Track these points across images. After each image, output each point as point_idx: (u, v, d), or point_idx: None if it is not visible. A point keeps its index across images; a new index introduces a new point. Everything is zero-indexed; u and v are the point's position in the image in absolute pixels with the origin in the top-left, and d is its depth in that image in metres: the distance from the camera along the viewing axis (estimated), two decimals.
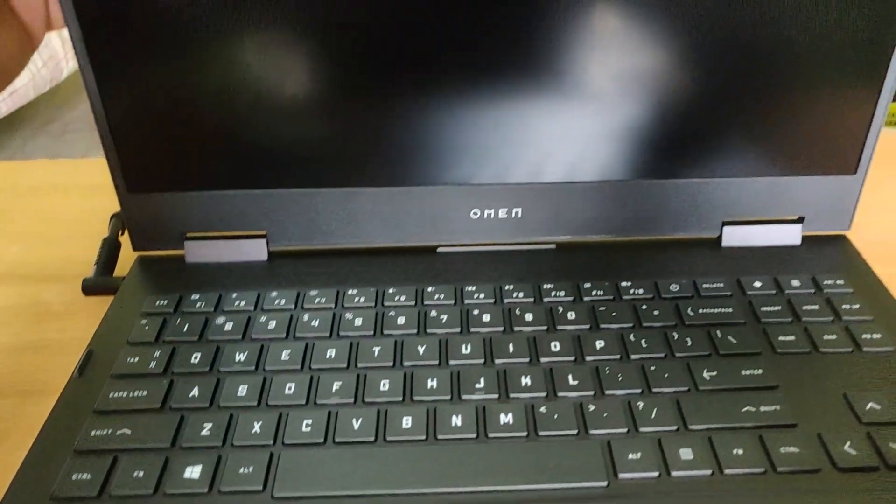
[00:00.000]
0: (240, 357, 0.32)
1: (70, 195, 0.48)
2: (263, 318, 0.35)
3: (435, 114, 0.36)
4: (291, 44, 0.34)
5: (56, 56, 1.77)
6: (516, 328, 0.34)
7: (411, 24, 0.33)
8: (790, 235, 0.39)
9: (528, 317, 0.35)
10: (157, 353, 0.33)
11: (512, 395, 0.30)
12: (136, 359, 0.32)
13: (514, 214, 0.38)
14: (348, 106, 0.35)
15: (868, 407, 0.30)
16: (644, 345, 0.33)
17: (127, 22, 0.33)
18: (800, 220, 0.39)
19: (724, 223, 0.39)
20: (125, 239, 0.39)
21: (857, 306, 0.35)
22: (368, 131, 0.36)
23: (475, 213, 0.38)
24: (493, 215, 0.38)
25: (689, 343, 0.33)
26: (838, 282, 0.37)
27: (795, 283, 0.37)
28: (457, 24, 0.33)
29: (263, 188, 0.37)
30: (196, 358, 0.32)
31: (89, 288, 0.37)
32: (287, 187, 0.37)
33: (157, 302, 0.36)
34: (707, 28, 0.34)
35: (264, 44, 0.34)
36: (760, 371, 0.32)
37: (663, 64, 0.35)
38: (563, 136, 0.37)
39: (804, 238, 0.40)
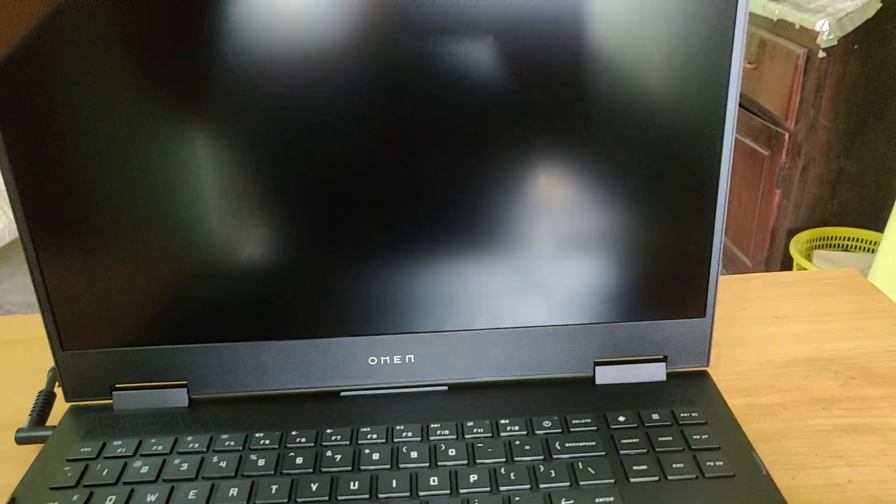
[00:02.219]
0: (150, 498, 0.36)
1: (12, 348, 0.52)
2: (177, 461, 0.39)
3: (335, 275, 0.41)
4: (210, 214, 0.40)
5: None
6: (402, 465, 0.38)
7: (318, 196, 0.40)
8: (656, 372, 0.44)
9: (413, 454, 0.39)
10: (75, 497, 0.36)
11: None
12: (56, 503, 0.36)
13: (407, 360, 0.43)
14: (258, 271, 0.41)
15: None
16: (513, 477, 0.37)
17: (66, 199, 0.39)
18: (664, 359, 0.45)
19: (596, 363, 0.44)
20: (60, 389, 0.43)
21: (706, 436, 0.40)
22: (277, 292, 0.42)
23: (373, 360, 0.43)
24: (388, 361, 0.43)
25: (553, 475, 0.37)
26: (693, 414, 0.41)
27: (655, 416, 0.41)
28: (357, 196, 0.40)
29: (184, 343, 0.42)
30: (111, 500, 0.36)
31: (22, 438, 0.41)
32: (205, 342, 0.42)
33: (82, 448, 0.40)
34: (579, 199, 0.40)
35: (186, 215, 0.40)
36: (612, 499, 0.36)
37: (543, 227, 0.41)
38: (448, 290, 0.42)
39: (669, 374, 0.45)
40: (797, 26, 1.59)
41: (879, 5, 1.47)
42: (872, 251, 1.63)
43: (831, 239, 1.68)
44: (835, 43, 1.52)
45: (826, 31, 1.51)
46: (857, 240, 1.67)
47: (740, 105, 1.97)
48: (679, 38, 0.38)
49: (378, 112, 0.38)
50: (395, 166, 0.39)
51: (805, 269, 1.54)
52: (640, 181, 0.40)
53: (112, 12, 0.35)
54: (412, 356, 0.43)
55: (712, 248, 0.42)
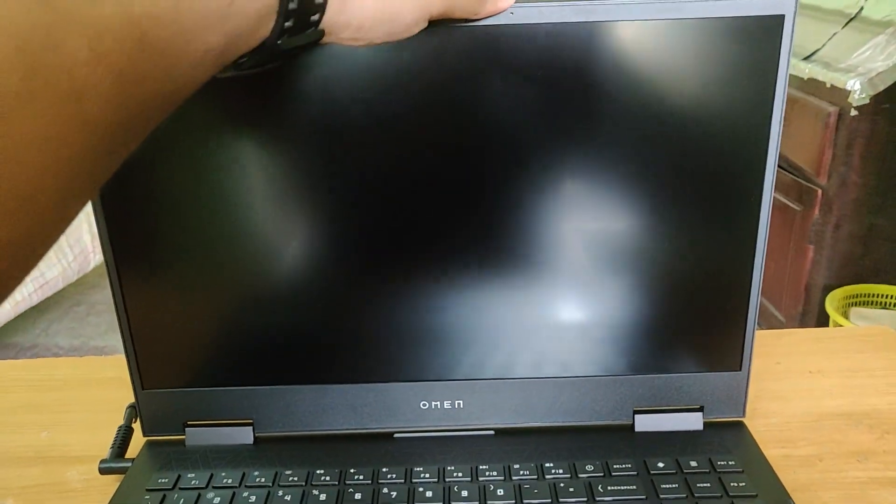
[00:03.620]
0: None
1: (91, 387, 0.56)
2: (245, 493, 0.42)
3: (390, 323, 0.45)
4: (275, 264, 0.44)
5: (85, 250, 1.93)
6: (453, 503, 0.41)
7: (375, 249, 0.43)
8: (693, 422, 0.47)
9: (464, 493, 0.41)
10: None
11: None
12: None
13: (456, 405, 0.46)
14: (319, 318, 0.45)
15: None
16: None
17: (151, 250, 0.43)
18: (700, 409, 0.47)
19: (636, 411, 0.47)
20: (137, 425, 0.47)
21: (743, 483, 0.42)
22: (336, 338, 0.45)
23: (424, 405, 0.46)
24: (439, 406, 0.46)
25: None
26: (730, 462, 0.43)
27: (693, 463, 0.43)
28: (412, 249, 0.43)
29: (250, 385, 0.46)
30: None
31: (105, 469, 0.45)
32: (270, 384, 0.46)
33: (160, 480, 0.43)
34: (621, 256, 0.44)
35: (255, 265, 0.44)
36: None
37: (587, 283, 0.44)
38: (496, 339, 0.45)
39: (706, 424, 0.47)
40: (828, 85, 1.62)
41: None
42: None
43: (867, 296, 1.68)
44: (866, 101, 1.55)
45: (858, 90, 1.54)
46: (893, 297, 1.66)
47: None
48: (721, 94, 0.41)
49: (433, 163, 0.42)
50: (447, 218, 0.43)
51: (841, 325, 1.54)
52: (681, 237, 0.43)
53: None
54: (461, 402, 0.46)
55: (749, 304, 0.45)
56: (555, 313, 0.45)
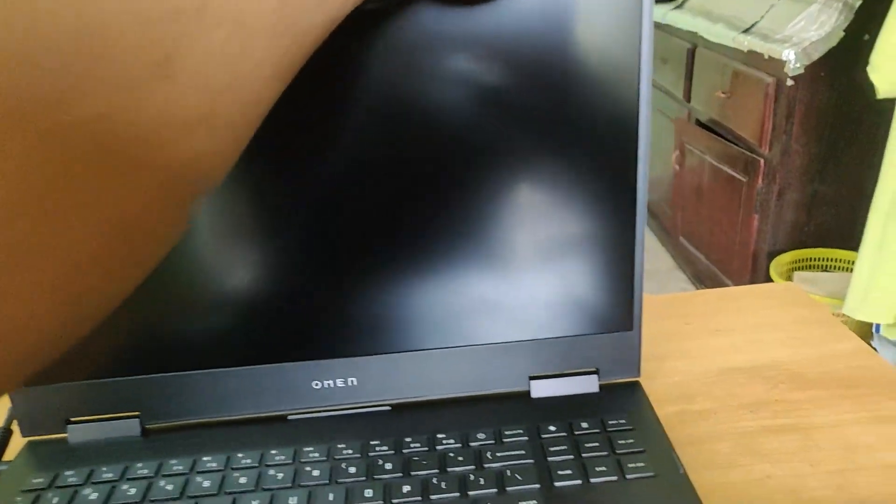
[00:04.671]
0: None
1: None
2: (125, 486, 0.41)
3: (278, 302, 0.44)
4: (162, 264, 0.42)
5: None
6: (339, 480, 0.40)
7: (262, 228, 0.42)
8: (588, 385, 0.46)
9: (352, 469, 0.41)
10: None
11: None
12: None
13: (350, 383, 0.45)
14: (202, 302, 0.44)
15: None
16: (443, 486, 0.39)
17: None
18: (596, 372, 0.47)
19: (531, 378, 0.46)
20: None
21: (631, 441, 0.41)
22: (221, 321, 0.44)
23: (316, 384, 0.45)
24: (332, 385, 0.45)
25: (482, 482, 0.39)
26: (621, 421, 0.43)
27: (585, 424, 0.43)
28: (298, 227, 0.42)
29: (134, 375, 0.44)
30: None
31: None
32: (155, 373, 0.44)
33: (34, 480, 0.41)
34: (509, 221, 0.43)
35: None
36: (534, 502, 0.37)
37: (476, 251, 0.44)
38: (388, 314, 0.45)
39: (602, 386, 0.47)
40: (766, 56, 1.64)
41: (843, 35, 1.52)
42: (850, 270, 1.65)
43: (811, 260, 1.70)
44: (802, 71, 1.56)
45: (792, 59, 1.56)
46: (836, 260, 1.69)
47: (717, 133, 2.01)
48: (589, 46, 0.40)
49: (335, 147, 0.41)
50: (331, 194, 0.42)
51: None
52: (564, 199, 0.43)
53: None
54: (354, 379, 0.45)
55: (634, 263, 0.44)
56: (446, 283, 0.44)
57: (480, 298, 0.45)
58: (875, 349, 1.48)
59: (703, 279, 2.11)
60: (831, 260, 1.70)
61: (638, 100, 0.40)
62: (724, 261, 1.94)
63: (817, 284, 1.61)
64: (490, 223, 0.43)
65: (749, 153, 1.75)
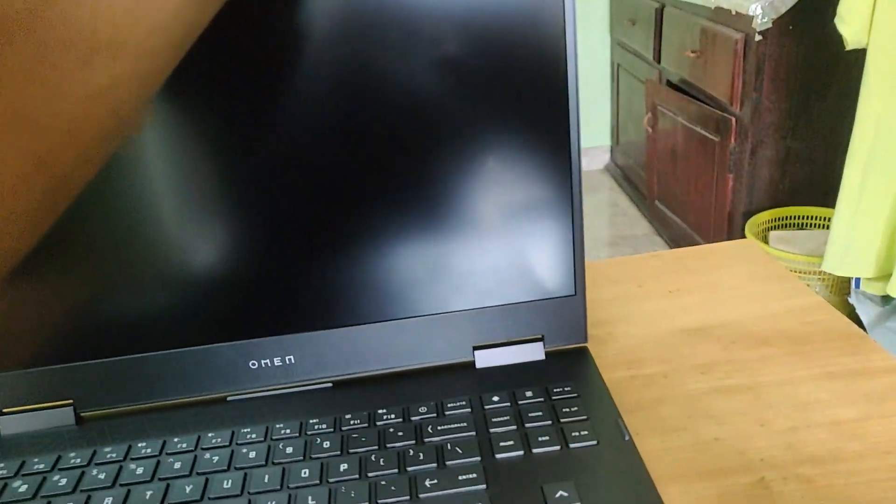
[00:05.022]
0: None
1: None
2: (57, 477, 0.39)
3: (210, 281, 0.42)
4: (86, 233, 0.41)
5: None
6: (276, 461, 0.39)
7: (186, 200, 0.41)
8: (534, 352, 0.45)
9: (289, 449, 0.40)
10: None
11: None
12: None
13: (287, 361, 0.44)
14: (132, 284, 0.42)
15: (557, 495, 0.35)
16: (381, 463, 0.38)
17: None
18: (541, 339, 0.46)
19: (475, 347, 0.45)
20: None
21: (575, 408, 0.41)
22: (152, 303, 0.42)
23: (253, 364, 0.44)
24: (269, 364, 0.44)
25: (421, 457, 0.38)
26: (566, 388, 0.42)
27: (529, 393, 0.42)
28: (224, 199, 0.41)
29: (67, 363, 0.43)
30: None
31: None
32: (88, 359, 0.43)
33: None
34: (443, 188, 0.42)
35: (59, 234, 0.41)
36: (475, 475, 0.37)
37: (412, 219, 0.42)
38: (323, 288, 0.43)
39: (549, 353, 0.46)
40: (733, 12, 1.62)
41: None
42: (827, 227, 1.65)
43: (787, 219, 1.70)
44: (769, 26, 1.55)
45: (760, 14, 1.54)
46: (812, 217, 1.69)
47: (689, 94, 1.99)
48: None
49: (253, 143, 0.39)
50: (264, 166, 0.40)
51: None
52: (499, 162, 0.41)
53: None
54: (292, 357, 0.44)
55: (574, 229, 0.43)
56: (385, 254, 0.43)
57: (421, 269, 0.44)
58: (853, 306, 1.48)
59: (679, 243, 2.10)
60: (808, 217, 1.70)
61: (565, 54, 0.39)
62: (701, 223, 1.94)
63: (794, 243, 1.61)
64: (429, 192, 0.42)
65: (721, 112, 1.74)
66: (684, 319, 0.52)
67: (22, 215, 0.29)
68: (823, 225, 1.67)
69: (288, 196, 0.41)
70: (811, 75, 1.61)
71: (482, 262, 0.44)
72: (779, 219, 1.70)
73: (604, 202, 2.60)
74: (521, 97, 0.40)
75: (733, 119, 1.69)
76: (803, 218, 1.70)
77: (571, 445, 0.38)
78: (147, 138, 0.38)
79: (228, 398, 0.45)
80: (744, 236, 1.71)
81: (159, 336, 0.43)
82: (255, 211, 0.41)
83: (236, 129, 0.39)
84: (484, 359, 0.45)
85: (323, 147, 0.40)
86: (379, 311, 0.44)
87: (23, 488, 0.39)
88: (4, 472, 0.40)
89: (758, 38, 1.56)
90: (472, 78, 0.39)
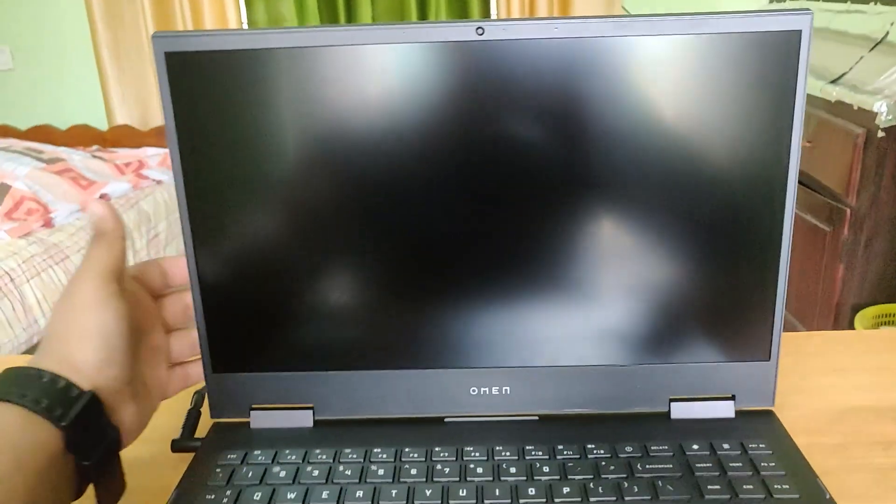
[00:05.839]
0: (290, 496, 0.43)
1: None
2: (309, 468, 0.45)
3: (443, 315, 0.48)
4: (342, 266, 0.48)
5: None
6: (502, 478, 0.44)
7: (429, 254, 0.47)
8: (725, 410, 0.49)
9: (512, 469, 0.45)
10: (228, 492, 0.43)
11: None
12: (213, 496, 0.43)
13: (504, 391, 0.50)
14: (377, 312, 0.49)
15: None
16: (601, 490, 0.43)
17: (229, 251, 0.47)
18: (732, 398, 0.50)
19: (671, 399, 0.50)
20: (204, 409, 0.51)
21: (773, 464, 0.44)
22: (394, 330, 0.49)
23: (474, 391, 0.50)
24: (487, 392, 0.50)
25: (636, 489, 0.43)
26: (760, 445, 0.46)
27: (726, 446, 0.46)
28: (461, 253, 0.47)
29: (312, 371, 0.50)
30: (258, 496, 0.43)
31: (177, 447, 0.49)
32: (330, 370, 0.50)
33: (229, 455, 0.47)
34: (656, 262, 0.47)
35: (318, 266, 0.48)
36: None
37: (621, 281, 0.48)
38: (541, 331, 0.49)
39: (738, 412, 0.50)
40: (855, 107, 1.65)
41: None
42: None
43: None
44: (893, 123, 1.56)
45: (884, 111, 1.56)
46: None
47: (801, 182, 2.00)
48: (740, 112, 0.44)
49: (471, 182, 0.46)
50: (495, 229, 0.47)
51: None
52: (710, 241, 0.47)
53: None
54: (508, 388, 0.50)
55: (776, 297, 0.48)
56: (595, 307, 0.48)
57: (627, 322, 0.49)
58: None
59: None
60: None
61: (790, 144, 0.44)
62: (807, 313, 1.92)
63: None
64: (636, 257, 0.47)
65: (835, 203, 1.74)
66: (856, 397, 0.55)
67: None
68: None
69: (519, 247, 0.47)
70: None
71: (689, 322, 0.48)
72: (887, 314, 1.68)
73: None
74: (740, 178, 0.45)
75: (848, 210, 1.69)
76: None
77: (775, 496, 0.42)
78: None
79: (446, 419, 0.50)
80: (850, 328, 1.69)
81: (394, 357, 0.49)
82: (491, 260, 0.47)
83: (473, 190, 0.46)
84: (679, 410, 0.49)
85: (545, 210, 0.46)
86: (587, 356, 0.49)
87: (282, 474, 0.45)
88: (262, 458, 0.46)
89: (881, 134, 1.58)
90: (690, 166, 0.45)
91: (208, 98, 0.45)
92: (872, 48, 1.76)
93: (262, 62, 0.44)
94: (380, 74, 0.44)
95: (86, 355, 0.40)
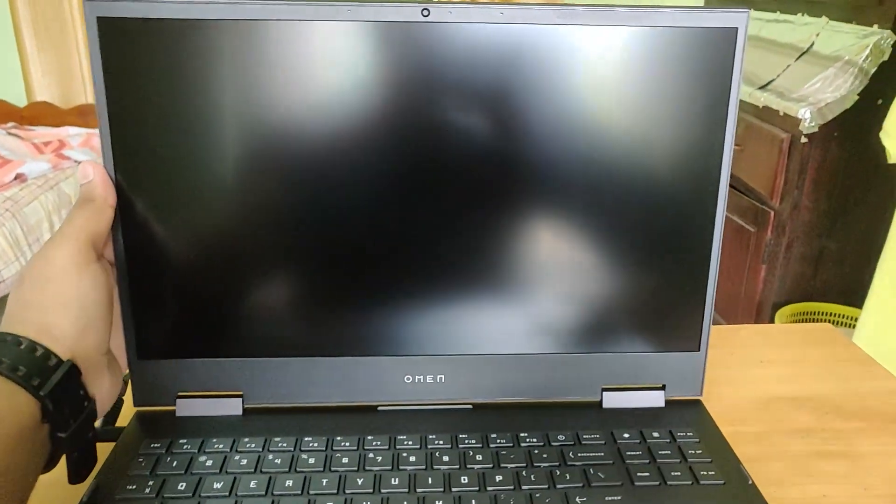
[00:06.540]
0: (217, 485, 0.41)
1: None
2: (237, 457, 0.44)
3: (377, 303, 0.48)
4: (273, 250, 0.47)
5: None
6: (435, 466, 0.44)
7: (366, 242, 0.46)
8: (655, 399, 0.50)
9: (445, 458, 0.44)
10: (151, 482, 0.42)
11: None
12: (135, 486, 0.41)
13: (438, 379, 0.49)
14: (308, 298, 0.48)
15: None
16: (533, 479, 0.43)
17: (157, 220, 0.45)
18: (663, 387, 0.51)
19: (604, 389, 0.50)
20: (127, 396, 0.49)
21: (699, 452, 0.45)
22: (324, 315, 0.48)
23: (408, 379, 0.49)
24: (422, 380, 0.49)
25: (568, 477, 0.43)
26: (688, 433, 0.47)
27: (656, 434, 0.47)
28: (399, 242, 0.46)
29: (241, 357, 0.48)
30: (182, 486, 0.41)
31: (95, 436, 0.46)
32: (260, 357, 0.48)
33: (152, 444, 0.45)
34: (591, 248, 0.47)
35: (245, 248, 0.46)
36: (619, 497, 0.41)
37: (559, 275, 0.48)
38: (476, 320, 0.49)
39: (667, 401, 0.51)
40: (781, 113, 1.71)
41: (857, 98, 1.59)
42: (852, 326, 1.70)
43: (814, 314, 1.75)
44: (816, 129, 1.63)
45: (808, 118, 1.63)
46: (840, 315, 1.74)
47: (729, 184, 2.06)
48: (675, 106, 0.45)
49: (406, 168, 0.45)
50: (430, 218, 0.46)
51: None
52: (643, 235, 0.47)
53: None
54: (442, 376, 0.49)
55: (707, 289, 0.49)
56: (531, 298, 0.48)
57: (561, 313, 0.49)
58: None
59: None
60: (835, 315, 1.75)
61: (723, 138, 0.45)
62: (730, 309, 1.99)
63: None
64: (571, 253, 0.47)
65: (760, 205, 1.81)
66: (778, 388, 0.57)
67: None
68: (849, 324, 1.73)
69: (454, 236, 0.47)
70: (852, 180, 1.68)
71: (622, 313, 0.49)
72: (806, 313, 1.75)
73: None
74: (676, 166, 0.46)
75: (772, 213, 1.76)
76: (831, 315, 1.75)
77: (702, 482, 0.43)
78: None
79: (379, 408, 0.49)
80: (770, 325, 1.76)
81: (326, 343, 0.48)
82: (425, 248, 0.47)
83: (434, 186, 0.45)
84: (611, 399, 0.50)
85: (476, 203, 0.46)
86: (522, 346, 0.49)
87: (208, 463, 0.43)
88: (188, 447, 0.45)
89: (803, 139, 1.65)
90: (627, 151, 0.46)
91: (142, 69, 0.43)
92: (799, 57, 1.83)
93: (201, 33, 0.42)
94: (321, 52, 0.43)
95: (63, 324, 0.39)
